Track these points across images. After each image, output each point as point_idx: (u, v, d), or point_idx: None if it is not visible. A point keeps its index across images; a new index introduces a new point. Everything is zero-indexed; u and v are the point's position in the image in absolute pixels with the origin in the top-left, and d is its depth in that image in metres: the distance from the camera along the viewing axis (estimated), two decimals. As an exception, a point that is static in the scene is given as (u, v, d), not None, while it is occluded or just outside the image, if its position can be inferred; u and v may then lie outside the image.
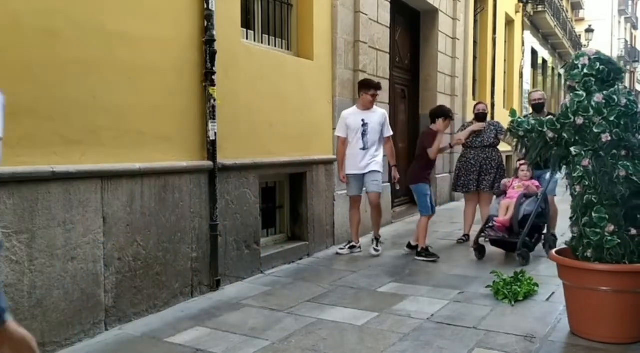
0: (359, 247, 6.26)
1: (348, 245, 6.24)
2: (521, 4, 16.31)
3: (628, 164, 3.48)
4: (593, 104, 3.53)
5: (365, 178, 6.05)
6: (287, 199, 6.19)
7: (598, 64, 3.60)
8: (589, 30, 27.24)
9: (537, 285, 4.59)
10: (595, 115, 3.52)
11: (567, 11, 25.03)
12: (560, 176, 6.24)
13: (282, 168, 5.86)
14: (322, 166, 6.40)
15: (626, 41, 40.56)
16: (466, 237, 6.89)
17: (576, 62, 3.69)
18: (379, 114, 6.12)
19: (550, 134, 3.70)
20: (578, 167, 3.61)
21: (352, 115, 6.12)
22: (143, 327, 3.89)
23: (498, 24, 13.91)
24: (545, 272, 5.11)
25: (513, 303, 4.31)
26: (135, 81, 4.00)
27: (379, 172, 6.05)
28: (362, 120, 6.01)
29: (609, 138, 3.49)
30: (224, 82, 4.77)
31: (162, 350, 3.50)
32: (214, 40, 4.60)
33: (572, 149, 3.64)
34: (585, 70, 3.62)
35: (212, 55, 4.59)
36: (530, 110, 6.85)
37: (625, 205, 3.51)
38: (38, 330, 3.33)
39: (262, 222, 5.55)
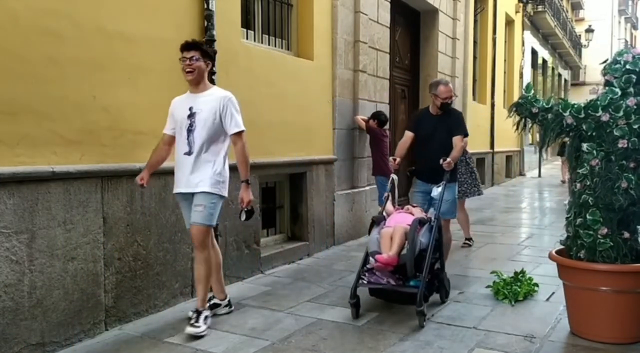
0: (227, 304, 4.16)
1: (208, 305, 3.95)
2: (521, 4, 16.33)
3: (632, 176, 3.42)
4: (624, 105, 3.44)
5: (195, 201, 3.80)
6: (287, 199, 6.19)
7: None
8: (589, 30, 27.23)
9: (537, 285, 4.58)
10: (623, 118, 3.44)
11: (567, 11, 25.04)
12: (456, 193, 4.97)
13: (282, 168, 5.86)
14: (322, 166, 6.39)
15: (626, 41, 40.52)
16: (469, 240, 6.71)
17: (618, 58, 3.59)
18: (215, 98, 3.81)
19: (569, 120, 3.57)
20: (585, 164, 3.55)
21: (180, 101, 3.91)
22: (143, 327, 3.89)
23: (498, 24, 13.92)
24: (545, 272, 5.11)
25: (513, 303, 4.31)
26: (135, 81, 4.00)
27: (210, 193, 3.77)
28: (190, 109, 3.79)
29: (626, 145, 3.42)
30: (224, 82, 4.76)
31: (162, 350, 3.50)
32: (214, 40, 4.60)
33: (585, 145, 3.56)
34: (627, 66, 3.51)
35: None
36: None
37: (621, 212, 3.49)
38: (38, 330, 3.33)
39: (262, 222, 5.55)
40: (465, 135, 4.86)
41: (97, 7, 3.71)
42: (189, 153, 3.77)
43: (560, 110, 3.61)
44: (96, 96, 3.70)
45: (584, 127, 3.56)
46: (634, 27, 44.81)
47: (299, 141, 5.97)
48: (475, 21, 12.64)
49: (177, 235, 4.36)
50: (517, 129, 3.90)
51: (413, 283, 3.87)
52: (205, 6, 4.56)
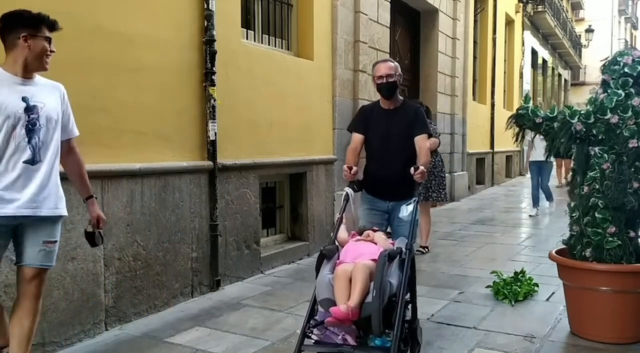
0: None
1: None
2: (521, 4, 16.32)
3: None
4: (631, 105, 3.44)
5: (38, 233, 2.75)
6: (287, 199, 6.19)
7: (639, 67, 3.52)
8: (589, 30, 27.23)
9: (537, 285, 4.59)
10: (631, 118, 3.45)
11: (567, 11, 25.03)
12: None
13: (282, 168, 5.86)
14: (322, 166, 6.40)
15: (626, 41, 40.50)
16: (424, 248, 6.27)
17: (619, 59, 3.60)
18: (52, 88, 2.84)
19: (579, 127, 3.56)
20: (597, 168, 3.53)
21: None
22: (143, 327, 3.89)
23: (498, 24, 13.92)
24: (545, 272, 5.11)
25: (513, 303, 4.31)
26: (135, 81, 4.00)
27: (61, 219, 2.85)
28: (25, 100, 2.67)
29: (636, 144, 3.42)
30: (224, 82, 4.77)
31: (162, 350, 3.50)
32: (214, 40, 4.60)
33: (596, 148, 3.56)
34: (625, 69, 3.53)
35: (212, 55, 4.59)
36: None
37: (630, 212, 3.50)
38: (38, 330, 3.31)
39: (262, 222, 5.56)
40: (430, 134, 3.91)
41: (97, 7, 3.71)
42: (33, 161, 2.68)
43: (568, 118, 3.60)
44: (96, 96, 3.70)
45: (594, 131, 3.55)
46: (634, 27, 44.79)
47: (299, 141, 5.97)
48: (475, 21, 12.64)
49: (177, 235, 4.36)
50: (517, 139, 3.91)
51: (379, 343, 2.83)
52: (205, 6, 4.56)
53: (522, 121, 3.80)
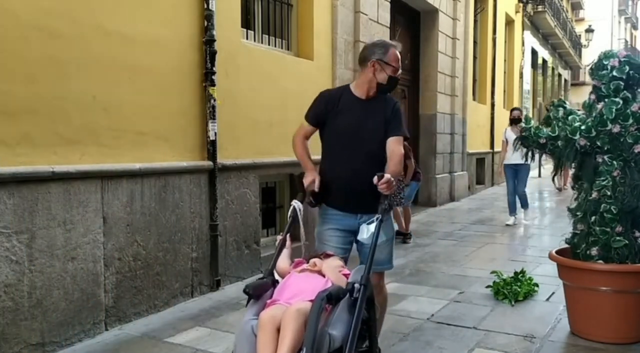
0: None
1: None
2: (521, 4, 16.32)
3: None
4: (630, 112, 3.44)
5: None
6: (287, 199, 6.18)
7: (627, 68, 3.50)
8: (589, 30, 27.24)
9: (537, 285, 4.59)
10: (633, 124, 3.44)
11: (567, 11, 25.05)
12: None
13: (282, 168, 5.85)
14: (322, 166, 6.39)
15: (626, 41, 40.52)
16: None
17: (605, 62, 3.56)
18: None
19: (582, 142, 3.56)
20: (608, 176, 3.52)
21: None
22: (143, 327, 3.89)
23: (498, 24, 13.92)
24: (545, 272, 5.11)
25: (513, 303, 4.31)
26: (135, 81, 4.00)
27: None
28: None
29: None
30: (224, 82, 4.77)
31: (162, 350, 3.50)
32: (214, 40, 4.60)
33: (605, 156, 3.55)
34: (614, 73, 3.51)
35: (212, 55, 4.59)
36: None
37: (637, 213, 3.52)
38: (38, 330, 3.33)
39: (262, 222, 5.55)
40: (406, 137, 3.08)
41: (97, 6, 3.71)
42: None
43: (570, 135, 3.60)
44: (96, 96, 3.70)
45: (599, 143, 3.55)
46: (634, 27, 44.81)
47: (299, 141, 5.97)
48: (475, 21, 12.64)
49: (177, 235, 4.36)
50: (526, 159, 3.94)
51: None
52: (205, 6, 4.56)
53: (527, 142, 3.81)
